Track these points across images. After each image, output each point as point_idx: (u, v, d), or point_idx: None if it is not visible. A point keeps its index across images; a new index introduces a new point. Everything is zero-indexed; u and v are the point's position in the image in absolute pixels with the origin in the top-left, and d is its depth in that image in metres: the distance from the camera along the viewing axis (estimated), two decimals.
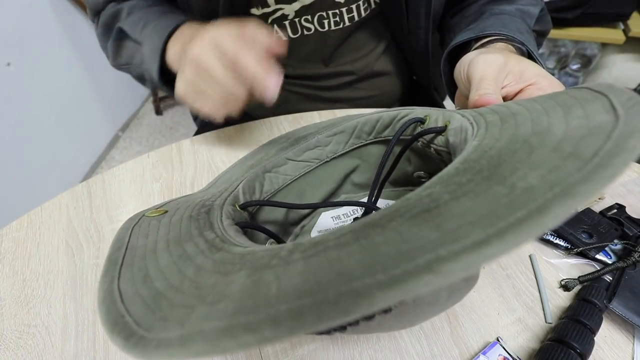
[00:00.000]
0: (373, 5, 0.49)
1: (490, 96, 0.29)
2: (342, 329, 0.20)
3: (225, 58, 0.33)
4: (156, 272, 0.18)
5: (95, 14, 0.51)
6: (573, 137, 0.15)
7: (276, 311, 0.12)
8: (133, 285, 0.17)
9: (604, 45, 1.40)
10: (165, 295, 0.15)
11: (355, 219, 0.35)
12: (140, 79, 0.49)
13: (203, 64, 0.34)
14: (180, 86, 0.36)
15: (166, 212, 0.26)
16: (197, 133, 0.59)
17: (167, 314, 0.14)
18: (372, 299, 0.11)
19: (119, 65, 0.50)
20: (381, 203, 0.37)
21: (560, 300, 0.30)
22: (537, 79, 0.31)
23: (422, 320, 0.27)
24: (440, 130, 0.29)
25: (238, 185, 0.29)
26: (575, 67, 1.46)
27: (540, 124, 0.18)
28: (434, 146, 0.30)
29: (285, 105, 0.58)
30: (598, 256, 0.32)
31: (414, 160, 0.35)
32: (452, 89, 0.44)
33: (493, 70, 0.31)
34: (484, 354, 0.27)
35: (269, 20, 0.48)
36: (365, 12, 0.49)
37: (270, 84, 0.32)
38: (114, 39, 0.48)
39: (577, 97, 0.19)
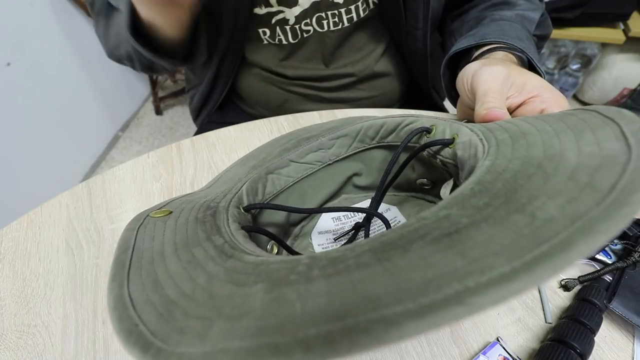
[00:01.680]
0: (372, 6, 0.49)
1: (498, 111, 0.29)
2: None
3: None
4: (166, 278, 0.17)
5: (92, 7, 0.49)
6: (587, 166, 0.15)
7: (305, 335, 0.11)
8: (143, 291, 0.16)
9: (604, 45, 1.40)
10: (178, 304, 0.15)
11: (356, 223, 0.35)
12: (130, 59, 0.47)
13: None
14: None
15: (170, 212, 0.26)
16: (197, 133, 0.59)
17: (183, 325, 0.14)
18: (404, 328, 0.11)
19: (111, 51, 0.49)
20: (382, 207, 0.37)
21: (560, 300, 0.30)
22: (540, 91, 0.31)
23: None
24: (448, 143, 0.29)
25: (241, 187, 0.29)
26: (575, 67, 1.46)
27: (552, 146, 0.18)
28: (440, 157, 0.30)
29: (285, 105, 0.58)
30: (598, 256, 0.32)
31: (418, 168, 0.35)
32: (452, 93, 0.44)
33: (497, 83, 0.31)
34: (484, 354, 0.27)
35: (273, 21, 0.48)
36: (364, 12, 0.49)
37: None
38: (104, 16, 0.46)
39: (587, 121, 0.19)
